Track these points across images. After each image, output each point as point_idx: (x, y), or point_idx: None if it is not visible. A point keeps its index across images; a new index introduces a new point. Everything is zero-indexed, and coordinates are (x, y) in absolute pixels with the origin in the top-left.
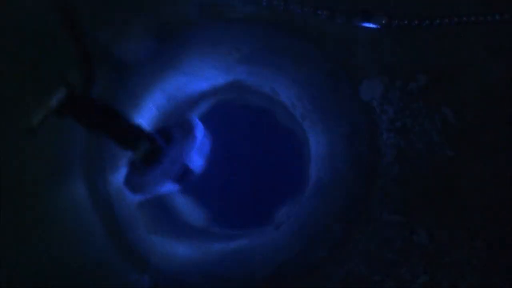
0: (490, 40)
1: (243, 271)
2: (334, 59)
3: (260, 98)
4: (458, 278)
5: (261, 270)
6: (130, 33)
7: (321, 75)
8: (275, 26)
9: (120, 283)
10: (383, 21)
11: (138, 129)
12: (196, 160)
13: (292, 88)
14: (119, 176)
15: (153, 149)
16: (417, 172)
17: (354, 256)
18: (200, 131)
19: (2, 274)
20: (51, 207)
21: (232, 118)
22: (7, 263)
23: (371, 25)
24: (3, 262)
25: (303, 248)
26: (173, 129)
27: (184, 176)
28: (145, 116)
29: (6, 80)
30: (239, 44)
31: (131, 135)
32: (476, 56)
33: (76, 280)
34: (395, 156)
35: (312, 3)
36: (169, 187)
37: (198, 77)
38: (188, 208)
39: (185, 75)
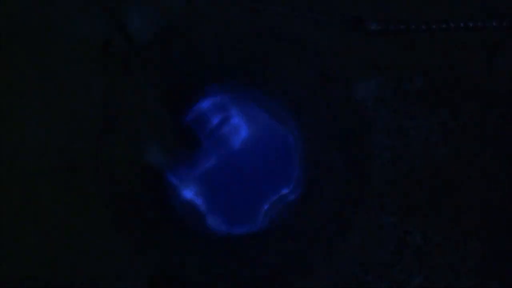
0: (489, 41)
1: (239, 271)
2: (326, 60)
3: (252, 99)
4: (453, 279)
5: (256, 271)
6: None
7: (313, 76)
8: (267, 28)
9: None
10: (373, 27)
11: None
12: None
13: (284, 89)
14: None
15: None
16: (411, 174)
17: (348, 257)
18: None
19: None
20: None
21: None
22: None
23: (364, 31)
24: None
25: (298, 249)
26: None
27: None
28: None
29: None
30: (231, 46)
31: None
32: (474, 56)
33: None
34: (389, 157)
35: (307, 9)
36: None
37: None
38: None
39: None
